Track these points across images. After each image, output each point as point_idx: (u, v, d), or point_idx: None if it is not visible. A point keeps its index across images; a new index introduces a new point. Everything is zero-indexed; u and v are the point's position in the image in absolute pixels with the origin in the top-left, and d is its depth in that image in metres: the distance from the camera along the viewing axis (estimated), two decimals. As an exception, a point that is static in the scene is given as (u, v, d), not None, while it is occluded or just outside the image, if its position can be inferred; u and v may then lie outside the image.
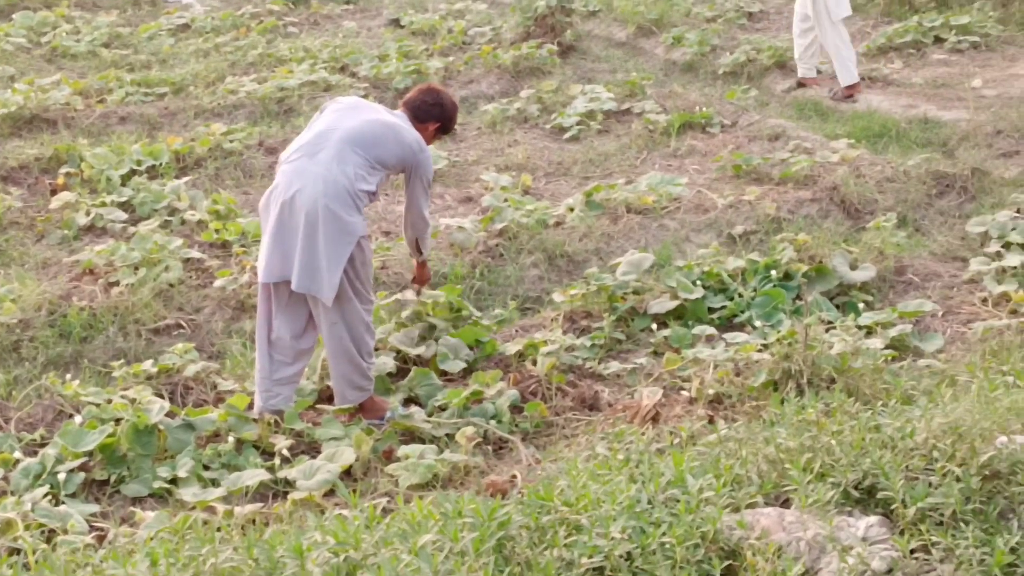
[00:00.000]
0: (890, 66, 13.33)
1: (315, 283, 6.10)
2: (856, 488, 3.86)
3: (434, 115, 6.70)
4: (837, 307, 7.53)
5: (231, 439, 6.04)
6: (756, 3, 16.33)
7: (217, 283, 7.97)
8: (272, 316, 6.39)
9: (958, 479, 3.73)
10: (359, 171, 6.17)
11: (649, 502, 3.78)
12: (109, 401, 6.25)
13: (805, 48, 12.66)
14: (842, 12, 12.24)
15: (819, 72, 12.85)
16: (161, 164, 10.24)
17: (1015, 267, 7.71)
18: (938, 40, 13.93)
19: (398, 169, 6.49)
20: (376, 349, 7.05)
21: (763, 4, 16.38)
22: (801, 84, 12.79)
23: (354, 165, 6.15)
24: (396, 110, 6.70)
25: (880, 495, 3.78)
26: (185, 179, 9.86)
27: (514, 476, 5.57)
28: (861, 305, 7.46)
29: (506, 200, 9.13)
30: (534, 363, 6.89)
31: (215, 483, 5.75)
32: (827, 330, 6.68)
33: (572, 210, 9.06)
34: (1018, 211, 8.63)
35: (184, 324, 7.69)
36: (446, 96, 6.84)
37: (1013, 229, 8.22)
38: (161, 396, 6.57)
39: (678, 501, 3.74)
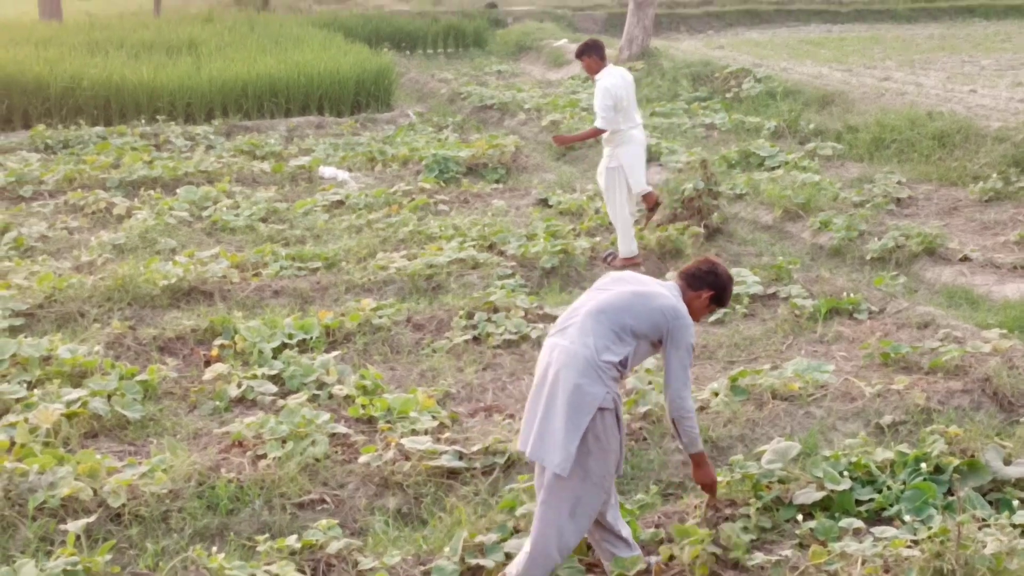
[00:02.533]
0: (1045, 255, 13.14)
1: (547, 451, 6.13)
2: None
3: (708, 282, 6.64)
4: (990, 504, 7.33)
5: (371, 619, 6.04)
6: (905, 189, 16.27)
7: (362, 459, 8.05)
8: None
9: None
10: (602, 341, 6.16)
11: None
12: (253, 575, 6.31)
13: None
14: (643, 186, 13.46)
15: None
16: (312, 338, 10.46)
17: None
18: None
19: (652, 338, 6.35)
20: (516, 529, 7.03)
21: (912, 190, 16.31)
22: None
23: (597, 336, 6.17)
24: (668, 282, 6.71)
25: None
26: (334, 353, 10.05)
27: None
28: (1016, 502, 7.24)
29: (650, 383, 9.11)
30: (680, 551, 6.79)
31: (355, 664, 5.74)
32: (980, 528, 6.50)
33: (717, 394, 9.01)
34: None
35: (328, 500, 7.76)
36: (721, 266, 6.76)
37: None
38: (303, 572, 6.62)
39: None
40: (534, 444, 6.18)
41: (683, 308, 6.43)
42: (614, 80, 12.92)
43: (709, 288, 6.64)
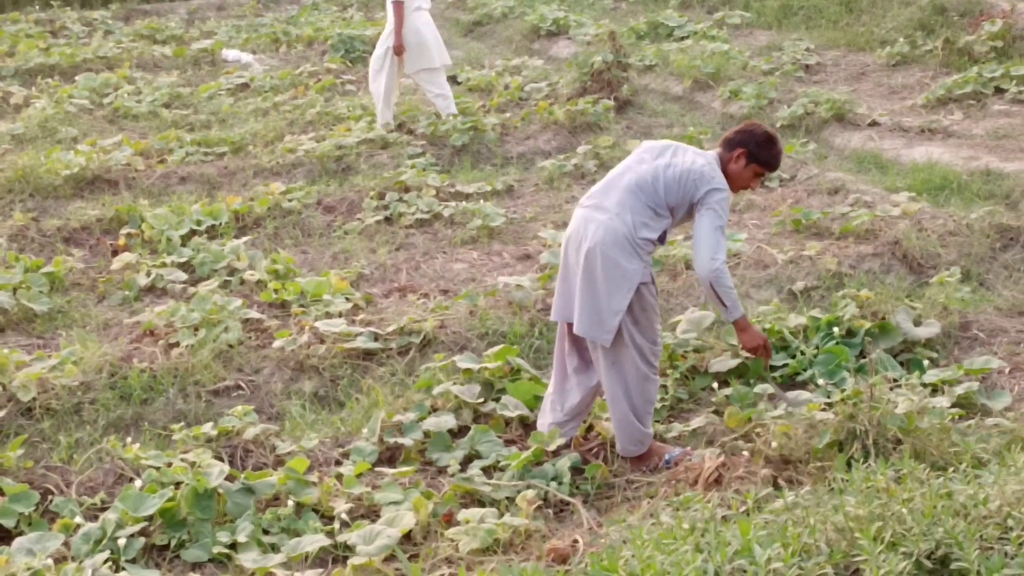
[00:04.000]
0: (950, 117, 13.21)
1: (593, 328, 6.20)
2: (929, 558, 3.77)
3: (739, 141, 6.39)
4: (901, 364, 7.42)
5: (291, 503, 6.00)
6: (813, 56, 16.28)
7: (276, 344, 7.97)
8: (566, 352, 6.60)
9: (1034, 549, 3.64)
10: (640, 218, 6.16)
11: (716, 573, 3.71)
12: (169, 464, 6.23)
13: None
14: (444, 60, 13.44)
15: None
16: (220, 224, 10.32)
17: (1084, 322, 7.59)
18: (999, 91, 13.80)
19: (686, 206, 6.27)
20: (434, 408, 7.03)
21: (820, 57, 16.32)
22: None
23: (635, 212, 6.16)
24: (710, 151, 6.51)
25: (954, 565, 3.69)
26: (244, 239, 9.92)
27: (576, 541, 5.49)
28: (926, 362, 7.33)
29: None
30: (595, 423, 6.82)
31: (275, 548, 5.70)
32: (892, 388, 6.58)
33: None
34: (1085, 265, 8.50)
35: (243, 385, 7.69)
36: (759, 126, 6.54)
37: (1081, 283, 8.10)
38: (221, 459, 6.55)
39: (745, 572, 3.67)
40: (580, 321, 6.23)
41: (713, 171, 6.25)
42: None
43: (741, 147, 6.37)
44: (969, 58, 15.04)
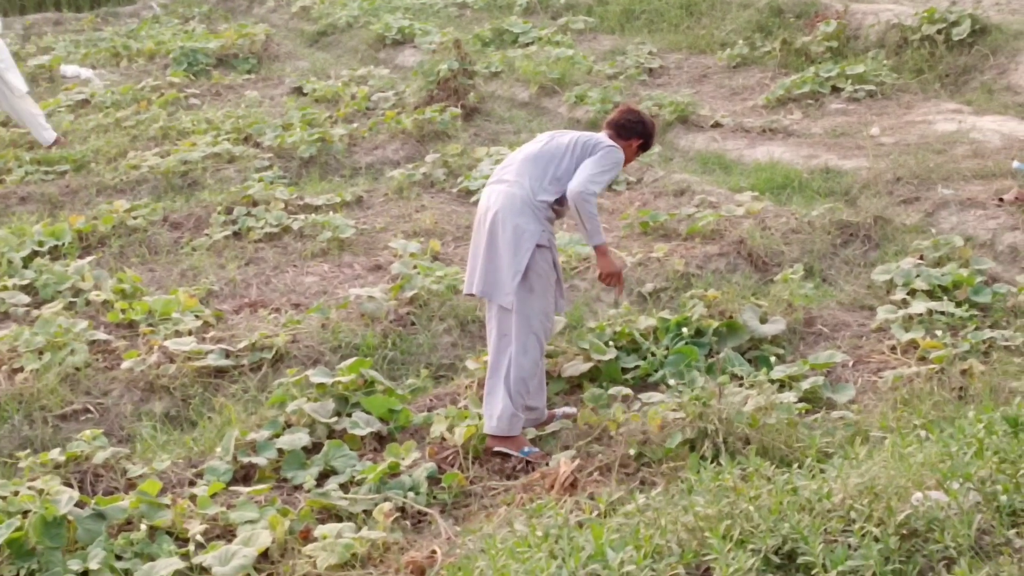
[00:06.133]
0: (790, 117, 13.50)
1: (493, 287, 6.60)
2: (776, 553, 3.85)
3: (637, 131, 7.00)
4: (749, 361, 7.56)
5: (143, 526, 5.90)
6: (656, 59, 16.51)
7: (125, 364, 7.83)
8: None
9: (877, 540, 3.74)
10: (537, 183, 6.64)
11: (570, 579, 3.75)
12: (16, 493, 6.07)
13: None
14: (23, 87, 13.52)
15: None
16: (64, 244, 10.08)
17: (921, 314, 7.82)
18: (835, 90, 14.14)
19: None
20: (288, 424, 6.97)
21: (663, 60, 16.56)
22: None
23: (532, 178, 6.64)
24: (599, 132, 7.03)
25: (801, 560, 3.77)
26: (89, 259, 9.71)
27: (434, 552, 5.50)
28: (773, 359, 7.50)
29: (415, 267, 9.08)
30: (450, 432, 6.83)
31: (128, 574, 5.61)
32: (741, 386, 6.71)
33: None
34: (921, 258, 8.74)
35: (92, 408, 7.55)
36: (646, 114, 7.17)
37: (917, 276, 8.33)
38: (70, 485, 6.41)
39: (599, 576, 3.72)
40: (481, 282, 6.63)
41: (609, 140, 6.84)
42: None
43: (638, 136, 7.01)
44: (806, 58, 15.38)
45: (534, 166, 6.69)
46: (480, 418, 6.80)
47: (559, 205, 6.71)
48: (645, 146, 7.14)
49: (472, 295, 7.00)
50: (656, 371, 7.49)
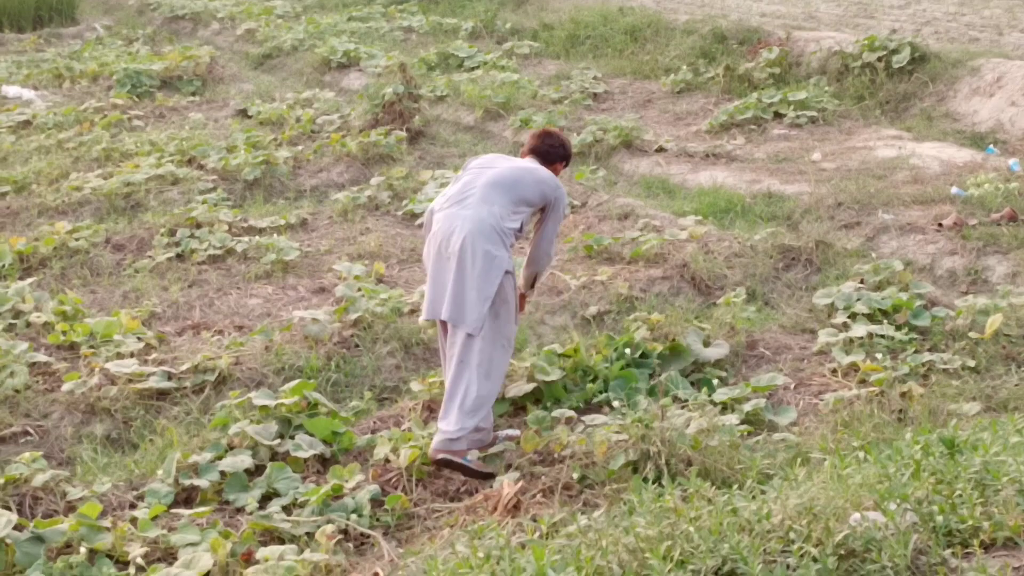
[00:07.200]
0: (733, 142, 13.63)
1: (462, 314, 6.62)
2: (716, 574, 3.87)
3: (560, 155, 7.40)
4: (692, 384, 7.60)
5: (83, 549, 5.84)
6: (601, 84, 16.61)
7: (65, 387, 7.76)
8: (447, 349, 6.87)
9: (815, 560, 3.77)
10: (503, 211, 6.76)
11: (511, 600, 3.75)
12: (-47, 517, 6.02)
13: None
14: None
15: None
16: (4, 266, 10.00)
17: (861, 338, 7.89)
18: (778, 115, 14.31)
19: (540, 206, 7.07)
20: (231, 446, 6.94)
21: (607, 85, 16.66)
22: None
23: (499, 205, 6.76)
24: (525, 159, 7.32)
25: (740, 580, 3.80)
26: (29, 280, 9.62)
27: (376, 574, 5.49)
28: (715, 381, 7.55)
29: (360, 289, 9.08)
30: (394, 454, 6.82)
31: (67, 598, 5.57)
32: (683, 408, 6.74)
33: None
34: (861, 282, 8.84)
35: (31, 431, 7.48)
36: (562, 135, 7.57)
37: (858, 300, 8.42)
38: (9, 508, 6.34)
39: (540, 597, 3.72)
40: (449, 308, 6.63)
41: (556, 180, 7.18)
42: None
43: (561, 160, 7.42)
44: (749, 84, 15.55)
45: (496, 193, 6.80)
46: (425, 438, 6.80)
47: (520, 233, 6.92)
48: (566, 165, 7.53)
49: (431, 320, 7.04)
50: (600, 393, 7.51)
